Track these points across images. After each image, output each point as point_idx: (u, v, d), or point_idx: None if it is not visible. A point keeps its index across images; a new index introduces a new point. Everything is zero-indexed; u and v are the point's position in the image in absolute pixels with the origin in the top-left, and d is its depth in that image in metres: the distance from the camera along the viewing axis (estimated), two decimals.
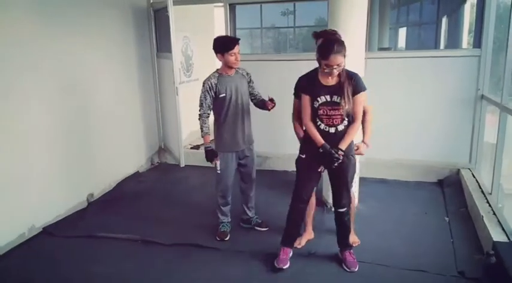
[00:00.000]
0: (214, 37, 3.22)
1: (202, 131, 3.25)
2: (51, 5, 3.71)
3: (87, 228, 3.68)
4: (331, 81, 2.65)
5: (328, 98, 2.65)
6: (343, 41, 2.59)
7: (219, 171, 3.38)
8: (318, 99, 2.67)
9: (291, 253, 3.06)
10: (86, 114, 4.21)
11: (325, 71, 2.57)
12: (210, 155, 3.32)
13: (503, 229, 3.02)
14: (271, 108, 3.25)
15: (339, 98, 2.62)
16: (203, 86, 3.18)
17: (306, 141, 2.87)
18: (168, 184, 4.86)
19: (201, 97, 3.20)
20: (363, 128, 3.00)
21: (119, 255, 3.24)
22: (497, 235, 2.92)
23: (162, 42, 5.35)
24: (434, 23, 7.81)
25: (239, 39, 3.25)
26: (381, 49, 6.23)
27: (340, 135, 2.69)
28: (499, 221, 3.14)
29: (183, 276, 2.95)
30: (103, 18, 4.49)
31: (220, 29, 5.53)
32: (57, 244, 3.44)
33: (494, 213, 3.29)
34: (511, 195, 3.99)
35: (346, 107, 2.62)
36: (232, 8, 5.18)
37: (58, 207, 3.85)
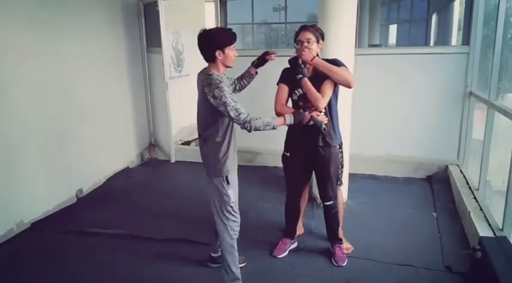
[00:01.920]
0: (205, 30, 2.47)
1: (271, 125, 2.44)
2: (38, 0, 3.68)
3: (76, 223, 3.66)
4: (308, 74, 2.72)
5: (301, 91, 2.71)
6: (319, 28, 2.78)
7: (232, 204, 2.60)
8: (296, 91, 2.75)
9: (292, 245, 3.16)
10: (75, 109, 4.17)
11: (297, 47, 2.70)
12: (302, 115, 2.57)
13: (489, 224, 3.06)
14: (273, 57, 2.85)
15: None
16: (220, 88, 2.33)
17: (288, 139, 2.94)
18: (159, 180, 4.85)
19: (229, 101, 2.32)
20: None
21: (108, 251, 3.23)
22: (484, 231, 2.96)
23: (152, 37, 5.31)
24: (425, 20, 7.85)
25: None
26: (372, 46, 6.26)
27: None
28: (485, 217, 3.19)
29: (173, 271, 2.95)
30: (92, 12, 4.44)
31: (211, 24, 5.50)
32: (45, 239, 3.42)
33: (481, 209, 3.33)
34: (499, 192, 4.04)
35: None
36: (223, 3, 5.16)
37: (47, 202, 3.83)
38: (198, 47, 2.47)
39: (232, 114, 2.33)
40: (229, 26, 5.44)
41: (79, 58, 4.21)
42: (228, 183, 2.54)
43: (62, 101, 3.99)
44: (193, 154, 5.48)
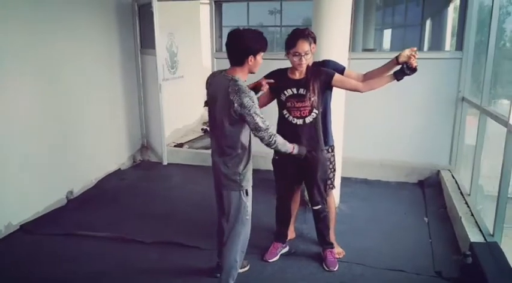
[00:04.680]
0: (240, 31, 2.28)
1: (286, 148, 2.44)
2: None
3: (65, 225, 3.62)
4: (299, 75, 2.73)
5: (294, 90, 2.72)
6: (312, 32, 2.75)
7: (248, 215, 2.50)
8: (285, 92, 2.74)
9: (283, 249, 3.15)
10: (66, 109, 4.14)
11: (295, 60, 2.66)
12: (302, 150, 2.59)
13: (480, 230, 3.06)
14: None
15: (305, 90, 2.69)
16: (251, 97, 2.23)
17: None
18: (150, 182, 4.82)
19: (258, 112, 2.22)
20: (376, 77, 2.88)
21: (98, 254, 3.19)
22: (474, 236, 2.96)
23: (146, 38, 5.29)
24: (419, 25, 7.89)
25: None
26: (366, 50, 6.28)
27: (307, 126, 2.74)
28: (476, 222, 3.19)
29: (163, 274, 2.92)
30: (85, 12, 4.42)
31: (206, 26, 5.49)
32: (34, 242, 3.38)
33: (472, 214, 3.34)
34: (490, 197, 4.06)
35: (312, 99, 2.69)
36: (218, 5, 5.15)
37: (36, 204, 3.78)
38: (228, 46, 2.29)
39: (261, 125, 2.21)
40: (224, 29, 5.44)
41: (70, 59, 4.18)
42: (247, 195, 2.44)
43: (53, 101, 3.95)
44: (186, 156, 5.47)
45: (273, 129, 2.32)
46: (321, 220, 2.98)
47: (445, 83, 4.42)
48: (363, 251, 3.17)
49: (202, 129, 6.82)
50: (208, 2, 5.17)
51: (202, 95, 7.40)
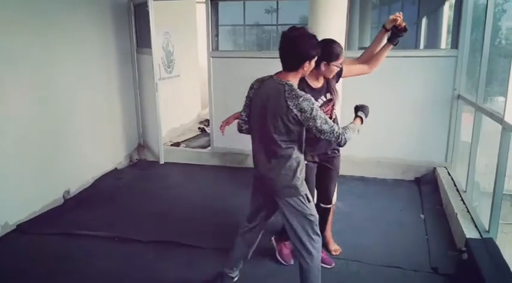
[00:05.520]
0: (307, 32, 2.15)
1: (355, 130, 2.33)
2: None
3: (62, 225, 3.62)
4: (320, 81, 2.66)
5: (323, 98, 2.66)
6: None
7: (317, 223, 2.36)
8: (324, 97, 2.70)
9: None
10: (62, 109, 4.13)
11: (333, 70, 2.59)
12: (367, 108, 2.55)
13: (476, 226, 3.08)
14: None
15: (330, 94, 2.68)
16: (310, 100, 2.09)
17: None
18: (147, 181, 4.82)
19: (320, 114, 2.11)
20: (373, 53, 2.86)
21: (95, 253, 3.19)
22: (470, 232, 2.98)
23: (142, 38, 5.28)
24: (415, 23, 7.90)
25: None
26: (362, 48, 6.27)
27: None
28: (472, 219, 3.21)
29: (160, 273, 2.92)
30: (81, 11, 4.41)
31: (202, 25, 5.49)
32: (31, 241, 3.38)
33: (468, 211, 3.36)
34: (486, 194, 4.08)
35: (335, 100, 2.71)
36: (214, 4, 5.15)
37: (33, 203, 3.78)
38: (283, 50, 2.15)
39: (325, 128, 2.09)
40: (220, 27, 5.44)
41: (66, 58, 4.17)
42: (308, 201, 2.29)
43: (49, 100, 3.95)
44: (183, 155, 5.48)
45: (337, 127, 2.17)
46: (327, 217, 3.01)
47: (440, 80, 4.44)
48: (359, 248, 3.19)
49: (199, 128, 6.82)
50: (204, 0, 5.15)
51: (199, 94, 7.43)
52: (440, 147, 4.58)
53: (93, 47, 4.64)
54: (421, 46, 7.59)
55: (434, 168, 4.56)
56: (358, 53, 5.16)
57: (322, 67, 2.46)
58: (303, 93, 2.11)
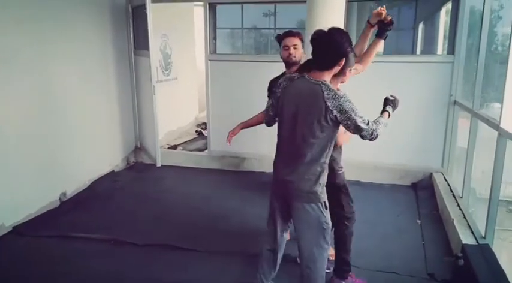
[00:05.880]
0: (342, 30, 2.12)
1: (385, 124, 2.32)
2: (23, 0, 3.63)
3: (58, 227, 3.60)
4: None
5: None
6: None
7: (329, 232, 2.28)
8: None
9: None
10: (60, 110, 4.12)
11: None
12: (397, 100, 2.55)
13: (472, 232, 3.09)
14: None
15: None
16: (349, 100, 2.05)
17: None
18: (144, 184, 4.81)
19: (357, 112, 2.08)
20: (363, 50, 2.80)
21: (91, 256, 3.17)
22: (467, 238, 2.99)
23: (140, 40, 5.28)
24: (412, 29, 7.94)
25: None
26: None
27: None
28: (468, 224, 3.22)
29: (155, 277, 2.91)
30: (79, 13, 4.40)
31: (200, 28, 5.49)
32: (27, 244, 3.36)
33: (464, 217, 3.37)
34: (483, 200, 4.09)
35: None
36: (212, 7, 5.15)
37: (29, 205, 3.75)
38: (319, 49, 2.07)
39: (363, 126, 2.06)
40: (218, 31, 5.45)
41: (64, 59, 4.16)
42: (326, 208, 2.21)
43: (46, 101, 3.93)
44: (180, 158, 5.47)
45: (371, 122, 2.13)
46: None
47: (437, 86, 4.46)
48: (356, 253, 3.15)
49: (196, 131, 6.82)
50: (202, 3, 5.16)
51: (196, 96, 7.43)
52: (436, 152, 4.59)
53: (91, 49, 4.63)
54: (418, 51, 7.64)
55: (431, 173, 4.58)
56: (355, 57, 5.15)
57: (347, 73, 2.25)
58: (343, 93, 2.04)
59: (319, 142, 2.09)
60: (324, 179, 2.19)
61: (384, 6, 2.56)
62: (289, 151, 2.19)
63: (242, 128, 2.99)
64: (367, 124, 2.09)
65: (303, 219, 2.20)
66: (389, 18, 2.53)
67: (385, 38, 2.61)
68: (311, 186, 2.15)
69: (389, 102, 2.46)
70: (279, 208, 2.34)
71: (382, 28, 2.59)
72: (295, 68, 2.74)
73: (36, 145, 3.82)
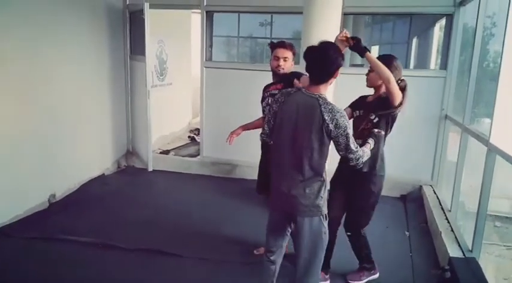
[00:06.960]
0: (333, 44, 2.19)
1: (368, 154, 2.32)
2: (19, 2, 3.62)
3: (46, 229, 3.57)
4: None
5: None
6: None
7: (324, 237, 2.27)
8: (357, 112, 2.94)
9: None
10: (51, 112, 4.11)
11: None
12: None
13: (459, 245, 3.12)
14: None
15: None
16: (345, 116, 2.08)
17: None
18: (135, 188, 4.79)
19: (351, 134, 2.11)
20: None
21: (79, 259, 3.15)
22: (454, 251, 3.02)
23: (136, 44, 5.30)
24: (406, 43, 8.04)
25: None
26: (353, 65, 6.37)
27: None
28: (456, 238, 3.25)
29: (144, 281, 2.89)
30: (76, 17, 4.42)
31: (197, 35, 5.53)
32: (13, 245, 3.32)
33: (452, 230, 3.40)
34: (471, 214, 4.13)
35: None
36: (209, 15, 5.19)
37: (17, 206, 3.72)
38: (315, 64, 2.08)
39: (353, 148, 2.08)
40: (214, 38, 5.48)
41: (59, 62, 4.16)
42: (326, 219, 2.23)
43: (39, 103, 3.92)
44: (171, 163, 5.45)
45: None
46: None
47: (429, 100, 4.52)
48: (344, 264, 3.19)
49: (189, 137, 6.81)
50: (199, 11, 5.20)
51: (190, 102, 7.44)
52: (426, 165, 4.64)
53: (86, 52, 4.63)
54: (411, 66, 7.73)
55: (420, 186, 4.61)
56: (350, 70, 5.25)
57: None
58: (339, 108, 2.07)
59: (321, 155, 2.11)
60: (325, 193, 2.21)
61: (344, 29, 2.50)
62: (288, 163, 2.17)
63: (243, 130, 3.12)
64: (357, 147, 2.12)
65: (305, 231, 2.20)
66: (351, 42, 2.44)
67: (365, 52, 2.48)
68: (312, 200, 2.15)
69: (372, 136, 2.55)
70: (279, 220, 2.34)
71: (354, 50, 2.51)
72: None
73: (26, 146, 3.80)
